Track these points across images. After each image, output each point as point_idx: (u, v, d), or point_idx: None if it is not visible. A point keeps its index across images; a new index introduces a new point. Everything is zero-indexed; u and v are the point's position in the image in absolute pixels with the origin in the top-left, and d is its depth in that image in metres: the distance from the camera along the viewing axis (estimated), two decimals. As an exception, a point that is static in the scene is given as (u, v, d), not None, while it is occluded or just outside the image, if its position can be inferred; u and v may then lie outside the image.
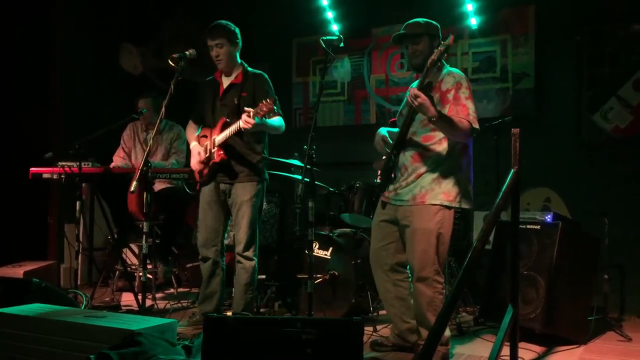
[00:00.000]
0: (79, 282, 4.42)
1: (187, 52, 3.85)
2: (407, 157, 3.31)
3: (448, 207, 3.24)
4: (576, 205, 4.73)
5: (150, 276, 4.98)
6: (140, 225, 4.15)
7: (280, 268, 4.49)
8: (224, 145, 3.84)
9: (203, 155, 3.93)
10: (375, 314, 4.18)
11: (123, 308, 4.50)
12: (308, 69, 6.01)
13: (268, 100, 3.51)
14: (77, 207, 4.37)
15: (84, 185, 4.59)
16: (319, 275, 4.10)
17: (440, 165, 3.25)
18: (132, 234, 5.17)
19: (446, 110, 3.15)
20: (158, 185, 5.05)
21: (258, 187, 3.91)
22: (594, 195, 4.67)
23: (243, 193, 3.87)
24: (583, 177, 4.77)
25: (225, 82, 3.99)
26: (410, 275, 3.40)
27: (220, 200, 3.97)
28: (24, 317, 2.97)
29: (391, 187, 3.39)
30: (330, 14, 5.74)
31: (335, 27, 5.74)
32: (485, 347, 3.58)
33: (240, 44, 4.00)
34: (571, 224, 3.93)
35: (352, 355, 2.40)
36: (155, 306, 4.56)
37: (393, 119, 3.75)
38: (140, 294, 4.00)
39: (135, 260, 5.60)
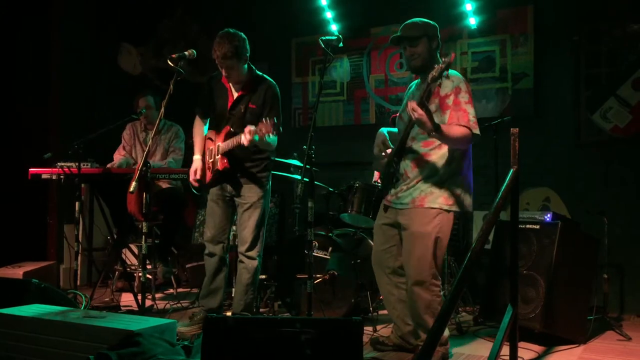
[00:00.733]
0: (78, 283, 4.41)
1: (186, 53, 3.85)
2: (408, 164, 3.32)
3: (447, 211, 3.24)
4: (575, 205, 4.73)
5: (150, 276, 4.98)
6: (140, 226, 4.15)
7: (280, 268, 4.49)
8: (227, 154, 3.83)
9: (208, 160, 3.94)
10: (375, 313, 4.18)
11: (122, 308, 4.50)
12: (307, 68, 6.01)
13: (269, 120, 3.48)
14: (77, 208, 4.36)
15: (83, 185, 4.60)
16: (318, 275, 4.10)
17: (440, 170, 3.25)
18: (132, 235, 5.17)
19: (446, 116, 3.14)
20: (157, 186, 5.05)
21: (264, 189, 3.91)
22: (593, 195, 4.67)
23: (250, 195, 3.87)
24: (582, 176, 4.77)
25: (234, 90, 3.93)
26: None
27: (226, 199, 3.97)
28: (24, 317, 2.98)
29: (393, 191, 3.40)
30: (329, 14, 5.74)
31: (334, 27, 5.74)
32: (485, 346, 3.58)
33: (249, 53, 3.86)
34: (570, 224, 3.93)
35: (351, 355, 2.40)
36: (155, 306, 4.56)
37: (394, 115, 3.74)
38: (139, 295, 4.01)
39: (134, 261, 5.61)
